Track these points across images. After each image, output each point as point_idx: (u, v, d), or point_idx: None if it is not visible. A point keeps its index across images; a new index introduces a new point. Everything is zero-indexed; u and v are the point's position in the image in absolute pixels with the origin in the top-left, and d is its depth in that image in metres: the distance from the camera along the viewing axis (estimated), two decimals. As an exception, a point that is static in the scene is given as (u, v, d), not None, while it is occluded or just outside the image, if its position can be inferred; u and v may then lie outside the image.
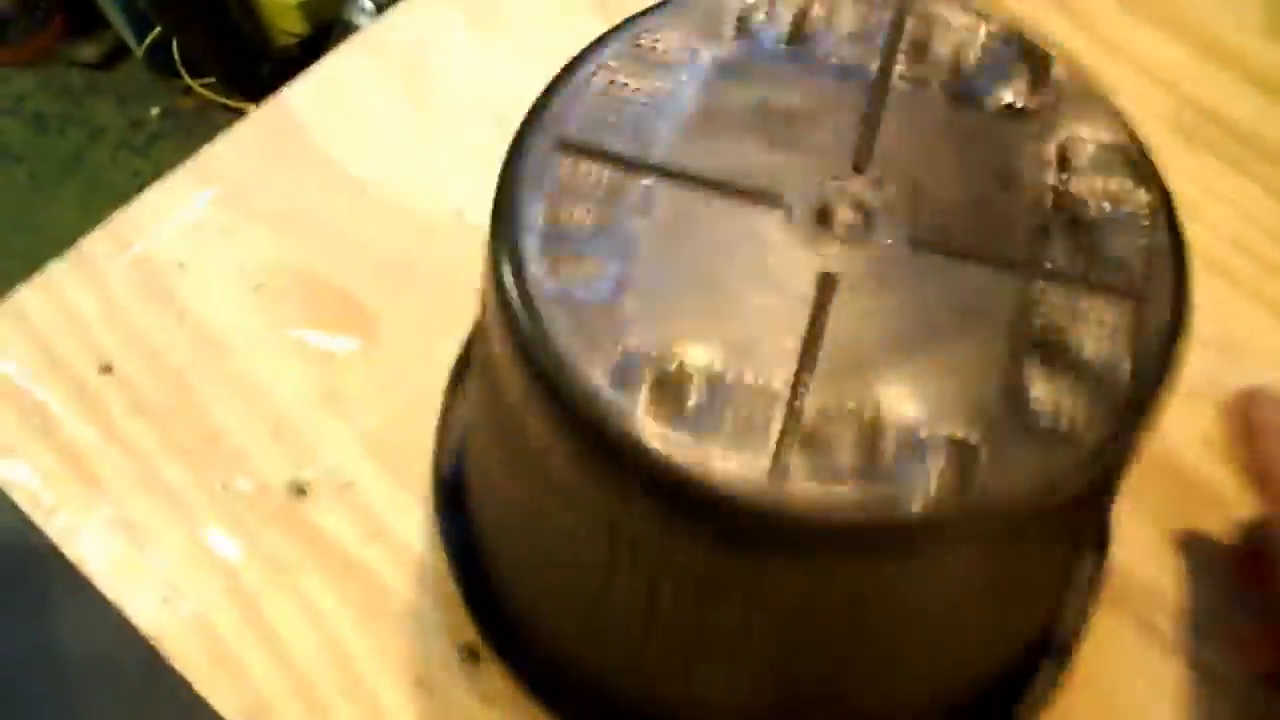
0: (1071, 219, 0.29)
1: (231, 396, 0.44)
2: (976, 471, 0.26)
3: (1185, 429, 0.42)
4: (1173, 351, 0.28)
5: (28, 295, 0.46)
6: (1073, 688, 0.38)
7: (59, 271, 0.46)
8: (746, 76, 0.31)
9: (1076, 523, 0.32)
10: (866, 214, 0.29)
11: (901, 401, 0.26)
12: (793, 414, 0.26)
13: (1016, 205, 0.29)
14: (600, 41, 0.31)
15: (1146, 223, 0.29)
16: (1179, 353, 0.28)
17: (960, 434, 0.26)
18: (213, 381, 0.44)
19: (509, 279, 0.28)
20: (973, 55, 0.31)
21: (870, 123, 0.30)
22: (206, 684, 0.39)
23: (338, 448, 0.43)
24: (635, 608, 0.31)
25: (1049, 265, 0.29)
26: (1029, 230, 0.29)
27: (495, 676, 0.39)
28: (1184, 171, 0.36)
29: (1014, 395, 0.27)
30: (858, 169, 0.30)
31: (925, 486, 0.25)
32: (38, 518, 0.41)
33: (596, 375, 0.26)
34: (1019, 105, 0.31)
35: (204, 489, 0.42)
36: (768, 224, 0.29)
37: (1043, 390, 0.27)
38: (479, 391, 0.37)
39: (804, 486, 0.25)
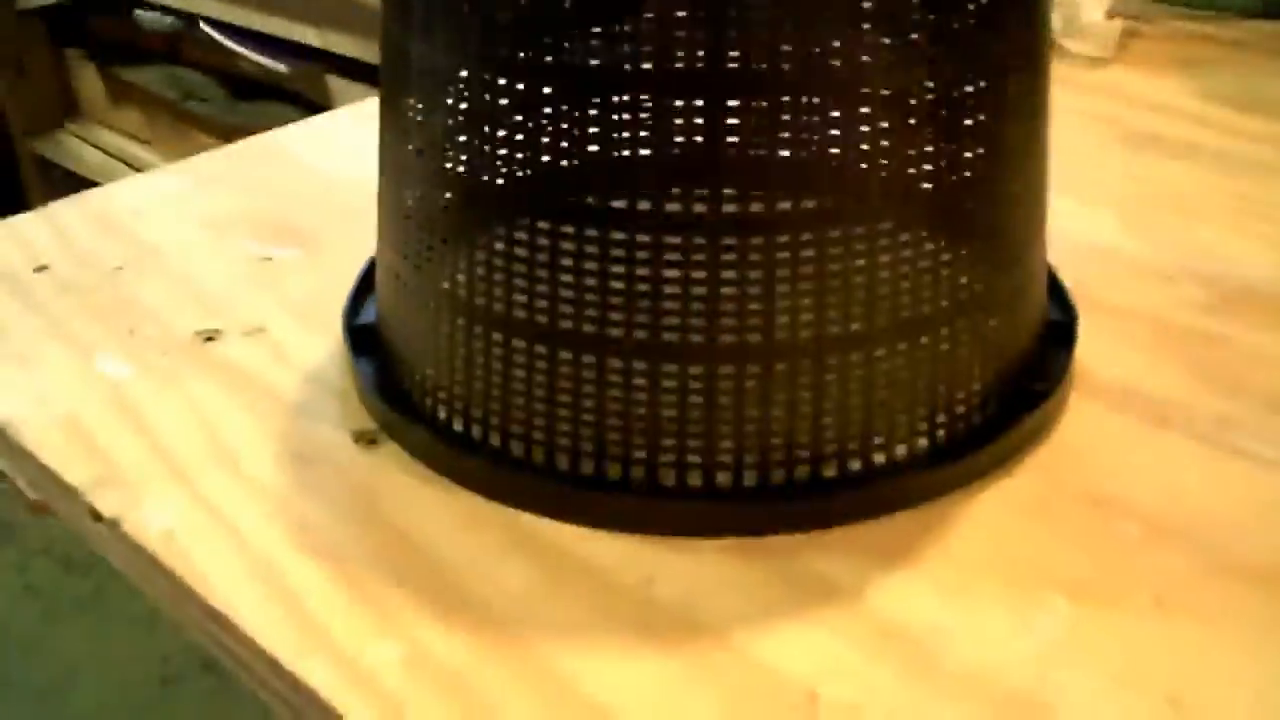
0: None
1: (160, 282, 0.42)
2: None
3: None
4: None
5: (-17, 229, 0.46)
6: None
7: (21, 218, 0.47)
8: None
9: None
10: None
11: None
12: None
13: None
14: None
15: None
16: None
17: None
18: (144, 275, 0.43)
19: None
20: None
21: None
22: (55, 457, 0.33)
23: (258, 310, 0.41)
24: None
25: None
26: None
27: (388, 454, 0.33)
28: None
29: None
30: None
31: None
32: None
33: None
34: None
35: (110, 335, 0.39)
36: None
37: None
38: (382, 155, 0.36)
39: None
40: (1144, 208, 0.47)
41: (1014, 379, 0.34)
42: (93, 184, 1.55)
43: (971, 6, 0.29)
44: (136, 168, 1.52)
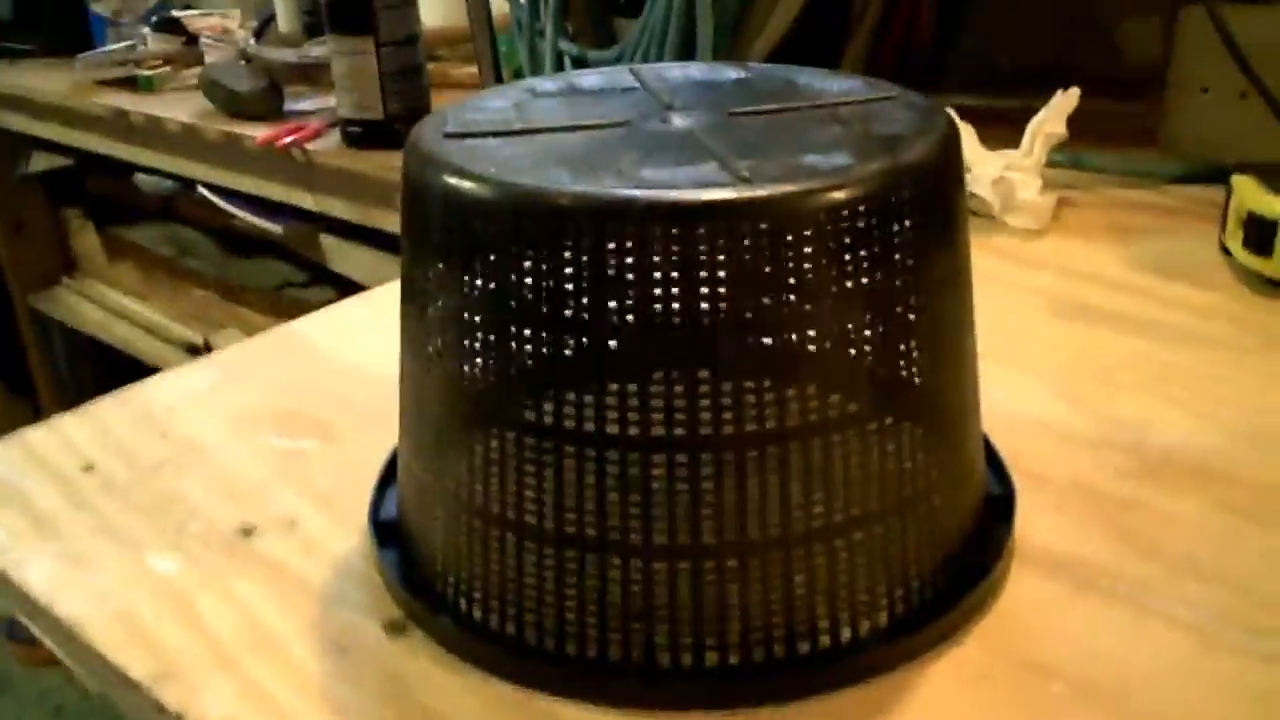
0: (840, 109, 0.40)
1: (198, 478, 0.48)
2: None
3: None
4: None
5: (33, 431, 0.52)
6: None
7: (64, 418, 0.53)
8: (553, 97, 0.43)
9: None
10: (691, 115, 0.40)
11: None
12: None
13: (806, 104, 0.41)
14: (436, 112, 0.42)
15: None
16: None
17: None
18: (183, 471, 0.48)
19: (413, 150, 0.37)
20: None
21: (660, 99, 0.41)
22: (119, 654, 0.38)
23: (289, 504, 0.46)
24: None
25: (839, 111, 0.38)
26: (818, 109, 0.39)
27: (415, 642, 0.38)
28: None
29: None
30: (669, 108, 0.41)
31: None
32: (-8, 562, 0.43)
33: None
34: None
35: (156, 531, 0.44)
36: (623, 132, 0.39)
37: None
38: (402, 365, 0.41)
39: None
40: (1071, 376, 0.53)
41: (960, 554, 0.40)
42: (90, 339, 1.60)
43: (900, 246, 0.35)
44: (134, 322, 1.58)
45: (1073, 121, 0.73)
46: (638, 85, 0.44)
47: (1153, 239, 0.68)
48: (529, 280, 0.34)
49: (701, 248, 0.32)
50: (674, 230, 0.32)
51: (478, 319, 0.35)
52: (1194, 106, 0.79)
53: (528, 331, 0.35)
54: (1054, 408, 0.51)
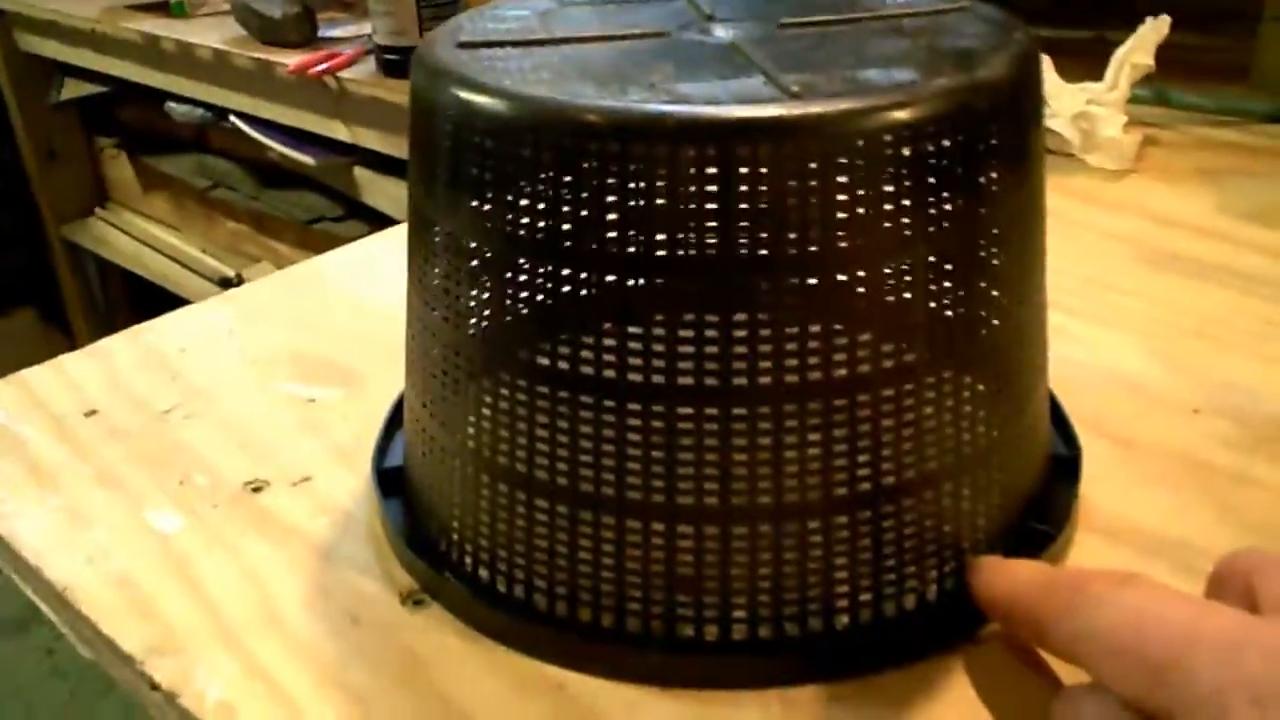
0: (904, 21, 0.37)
1: (208, 426, 0.46)
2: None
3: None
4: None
5: (34, 370, 0.50)
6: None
7: (70, 357, 0.51)
8: (582, 6, 0.40)
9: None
10: (736, 26, 0.37)
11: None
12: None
13: (866, 15, 0.38)
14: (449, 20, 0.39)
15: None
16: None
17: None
18: (193, 418, 0.47)
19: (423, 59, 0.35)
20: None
21: (701, 9, 0.39)
22: (111, 623, 0.36)
23: (304, 457, 0.44)
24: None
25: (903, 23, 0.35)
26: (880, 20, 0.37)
27: (436, 616, 0.36)
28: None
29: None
30: (710, 18, 0.38)
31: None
32: (-17, 510, 0.42)
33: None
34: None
35: (160, 485, 0.43)
36: (658, 43, 0.36)
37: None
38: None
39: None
40: (1162, 332, 0.50)
41: (1019, 521, 0.37)
42: (122, 269, 1.61)
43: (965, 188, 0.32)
44: (166, 254, 1.58)
45: (1157, 54, 0.68)
46: None
47: (1244, 183, 0.64)
48: (544, 206, 0.31)
49: (742, 171, 0.29)
50: (710, 151, 0.29)
51: (488, 251, 0.33)
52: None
53: (542, 266, 0.32)
54: (1144, 366, 0.48)
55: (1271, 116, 0.73)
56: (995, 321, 0.34)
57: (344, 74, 1.13)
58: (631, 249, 0.31)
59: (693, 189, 0.30)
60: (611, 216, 0.30)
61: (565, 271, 0.32)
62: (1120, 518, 0.39)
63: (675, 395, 0.31)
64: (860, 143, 0.30)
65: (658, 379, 0.31)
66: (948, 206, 0.31)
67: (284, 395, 0.48)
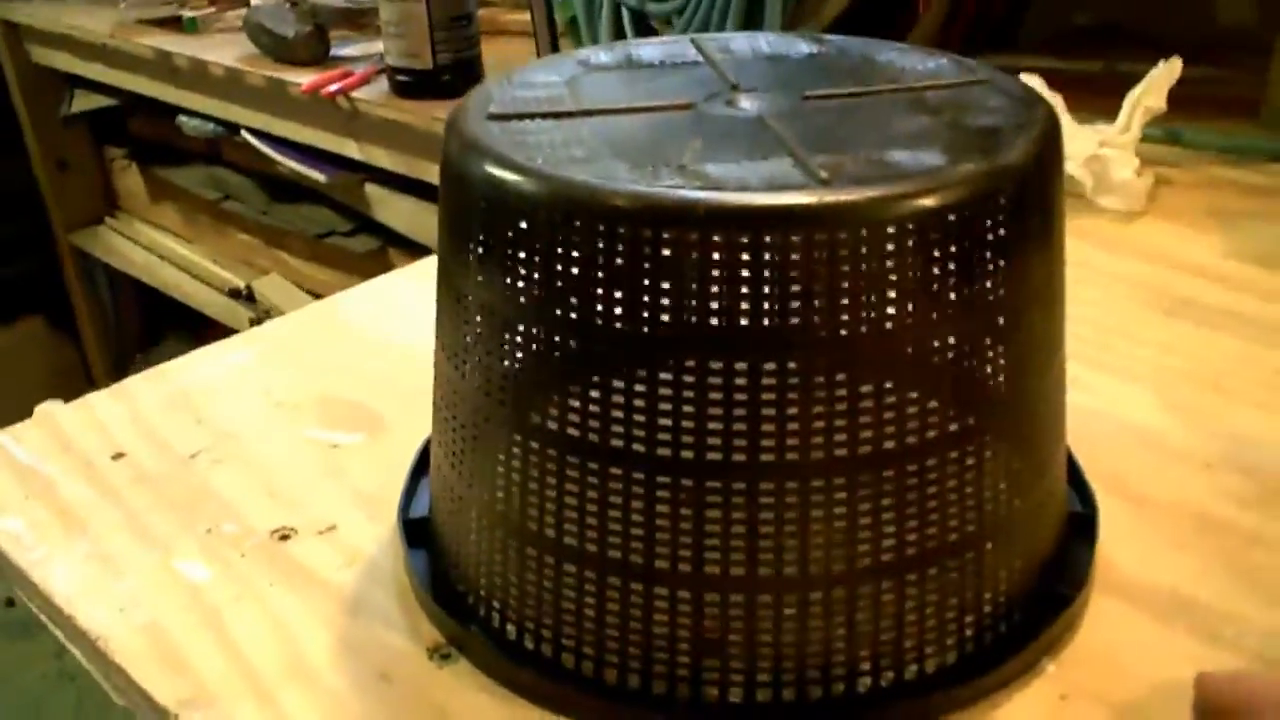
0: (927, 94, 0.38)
1: (235, 472, 0.47)
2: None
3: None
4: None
5: (60, 407, 0.51)
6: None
7: (96, 396, 0.52)
8: (608, 71, 0.41)
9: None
10: (761, 98, 0.38)
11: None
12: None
13: (888, 86, 0.38)
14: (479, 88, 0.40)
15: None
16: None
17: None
18: (219, 463, 0.48)
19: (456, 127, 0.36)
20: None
21: (726, 77, 0.39)
22: (145, 674, 0.37)
23: (330, 504, 0.45)
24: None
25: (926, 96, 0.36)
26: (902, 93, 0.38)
27: (463, 672, 0.37)
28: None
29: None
30: (735, 88, 0.39)
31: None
32: (16, 556, 0.43)
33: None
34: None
35: (188, 532, 0.44)
36: (686, 117, 0.37)
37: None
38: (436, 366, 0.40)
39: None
40: (1176, 383, 0.51)
41: (1038, 584, 0.38)
42: (132, 279, 1.61)
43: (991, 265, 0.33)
44: (176, 264, 1.59)
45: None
46: (701, 59, 0.42)
47: (1258, 225, 0.65)
48: (576, 285, 0.32)
49: (771, 257, 0.30)
50: (741, 239, 0.30)
51: (519, 323, 0.34)
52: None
53: (574, 341, 0.33)
54: (1156, 419, 0.48)
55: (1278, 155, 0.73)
56: (1019, 392, 0.35)
57: (356, 94, 1.13)
58: (662, 328, 0.31)
59: (723, 273, 0.30)
60: (645, 298, 0.31)
61: (597, 348, 0.33)
62: (1137, 578, 0.40)
63: (704, 470, 0.32)
64: (889, 230, 0.30)
65: (686, 454, 0.32)
66: (974, 286, 0.32)
67: (308, 441, 0.49)
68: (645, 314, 0.31)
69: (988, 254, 0.32)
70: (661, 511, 0.33)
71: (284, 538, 0.43)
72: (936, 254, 0.31)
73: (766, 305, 0.31)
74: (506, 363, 0.35)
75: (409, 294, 0.61)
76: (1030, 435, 0.36)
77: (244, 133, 1.31)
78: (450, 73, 1.08)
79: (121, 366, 1.85)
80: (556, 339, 0.33)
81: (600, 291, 0.32)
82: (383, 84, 1.13)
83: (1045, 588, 0.38)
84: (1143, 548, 0.41)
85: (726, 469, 0.32)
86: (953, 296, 0.32)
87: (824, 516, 0.33)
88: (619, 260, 0.31)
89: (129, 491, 0.46)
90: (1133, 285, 0.59)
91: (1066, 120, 0.68)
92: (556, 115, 0.37)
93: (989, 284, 0.32)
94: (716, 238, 0.30)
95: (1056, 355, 0.38)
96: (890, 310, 0.31)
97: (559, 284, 0.32)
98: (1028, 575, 0.37)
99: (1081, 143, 0.66)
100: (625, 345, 0.33)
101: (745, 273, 0.30)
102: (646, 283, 0.31)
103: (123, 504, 0.45)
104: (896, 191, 0.31)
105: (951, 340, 0.33)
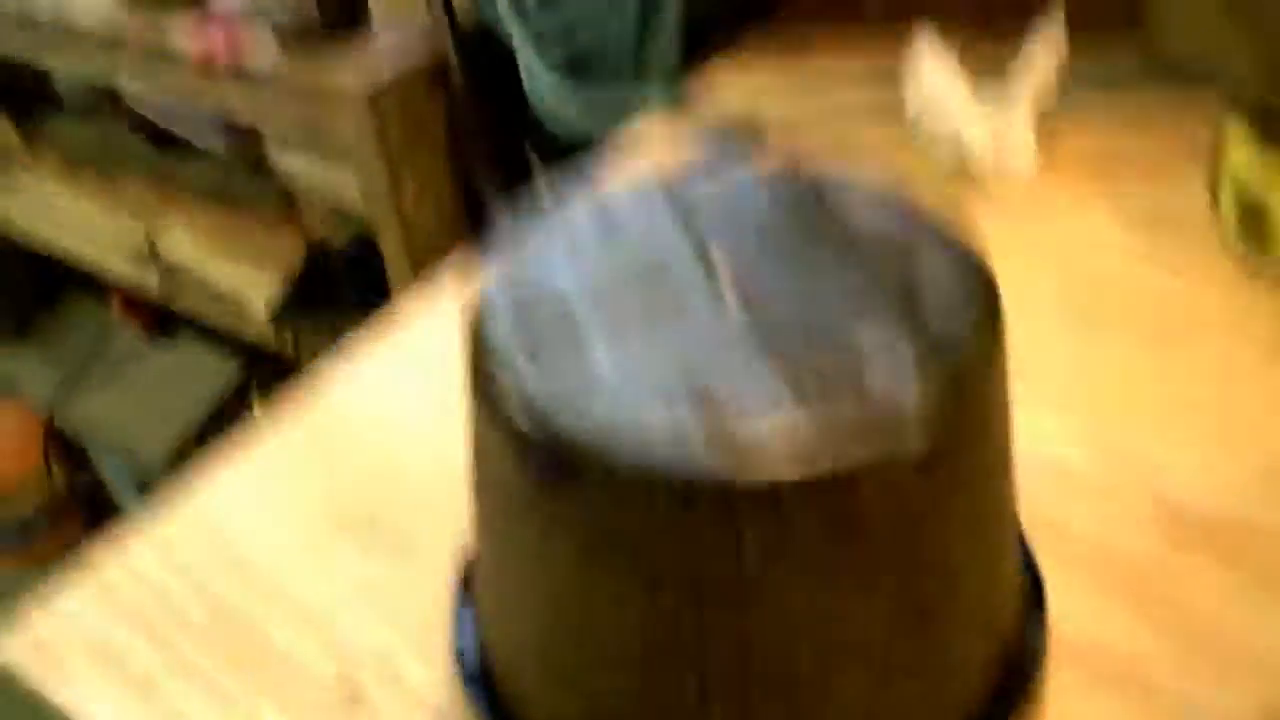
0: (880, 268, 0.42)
1: (281, 617, 0.52)
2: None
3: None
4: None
5: (108, 566, 0.55)
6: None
7: (127, 543, 0.56)
8: (591, 244, 0.44)
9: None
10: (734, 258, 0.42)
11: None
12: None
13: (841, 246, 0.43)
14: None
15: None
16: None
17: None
18: (264, 608, 0.52)
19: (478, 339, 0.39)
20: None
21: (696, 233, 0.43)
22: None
23: (383, 643, 0.50)
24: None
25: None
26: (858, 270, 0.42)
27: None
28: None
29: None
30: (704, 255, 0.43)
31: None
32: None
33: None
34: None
35: (258, 692, 0.49)
36: (690, 332, 0.41)
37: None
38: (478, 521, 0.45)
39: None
40: (1081, 399, 0.57)
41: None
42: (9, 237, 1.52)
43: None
44: (64, 223, 1.54)
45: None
46: (669, 214, 0.45)
47: (1142, 189, 0.71)
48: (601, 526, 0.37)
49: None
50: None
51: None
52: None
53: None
54: (1068, 449, 0.55)
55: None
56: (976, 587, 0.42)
57: (245, 55, 1.11)
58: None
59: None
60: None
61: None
62: (1079, 636, 0.47)
63: None
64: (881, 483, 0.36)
65: None
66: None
67: (344, 571, 0.54)
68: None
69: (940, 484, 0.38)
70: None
71: (354, 699, 0.48)
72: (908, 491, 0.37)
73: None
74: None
75: (389, 367, 0.64)
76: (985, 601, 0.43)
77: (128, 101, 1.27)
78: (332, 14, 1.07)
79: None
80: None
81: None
82: (269, 35, 1.10)
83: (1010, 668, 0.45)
84: (1076, 598, 0.48)
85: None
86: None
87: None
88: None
89: (189, 648, 0.50)
90: (1032, 270, 0.64)
91: (963, 102, 0.72)
92: (571, 326, 0.40)
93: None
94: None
95: (1008, 531, 0.44)
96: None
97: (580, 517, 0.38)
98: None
99: (978, 126, 0.71)
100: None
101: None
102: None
103: (188, 666, 0.50)
104: (889, 457, 0.36)
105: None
